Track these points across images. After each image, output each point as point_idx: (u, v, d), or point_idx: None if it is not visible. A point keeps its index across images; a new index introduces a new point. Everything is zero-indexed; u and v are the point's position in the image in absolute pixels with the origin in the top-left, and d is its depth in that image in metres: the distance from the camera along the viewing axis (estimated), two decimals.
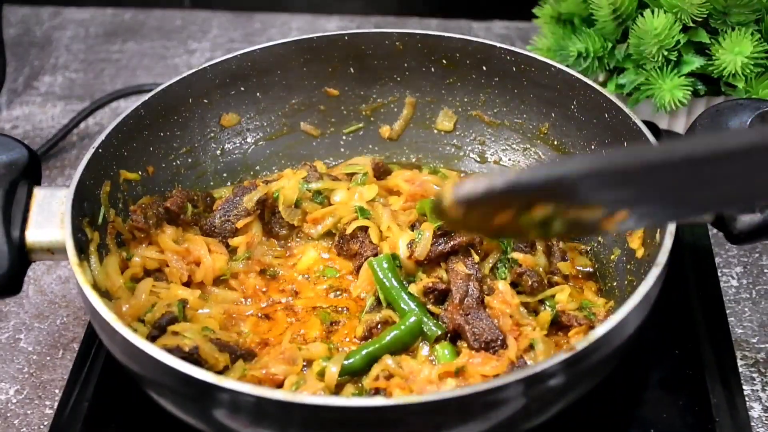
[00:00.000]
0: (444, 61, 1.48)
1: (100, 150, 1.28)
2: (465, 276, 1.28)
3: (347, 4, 2.11)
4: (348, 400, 0.97)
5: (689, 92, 1.51)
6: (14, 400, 1.33)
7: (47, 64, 2.01)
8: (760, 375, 1.33)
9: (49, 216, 1.20)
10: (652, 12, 1.47)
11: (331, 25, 2.09)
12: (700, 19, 1.47)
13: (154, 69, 1.99)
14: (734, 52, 1.47)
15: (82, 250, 1.20)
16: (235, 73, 1.45)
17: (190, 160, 1.46)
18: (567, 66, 1.41)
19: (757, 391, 1.31)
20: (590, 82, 1.35)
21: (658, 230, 1.18)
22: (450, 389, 1.10)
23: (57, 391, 1.34)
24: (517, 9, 1.92)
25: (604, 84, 1.62)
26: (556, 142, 1.45)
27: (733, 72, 1.47)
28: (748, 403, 1.28)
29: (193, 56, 2.01)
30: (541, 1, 1.68)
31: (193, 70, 1.41)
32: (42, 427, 1.30)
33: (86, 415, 1.24)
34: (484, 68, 1.46)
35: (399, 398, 0.96)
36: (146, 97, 1.37)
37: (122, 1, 2.16)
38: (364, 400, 0.96)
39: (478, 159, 1.52)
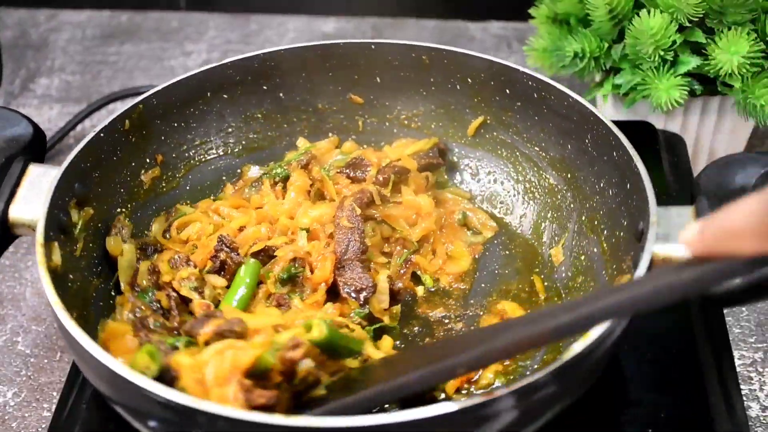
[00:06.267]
0: (469, 80, 1.45)
1: (102, 134, 1.27)
2: (347, 229, 1.31)
3: (343, 6, 2.11)
4: (335, 420, 0.92)
5: (686, 92, 1.51)
6: (12, 403, 1.33)
7: (44, 67, 2.01)
8: (758, 374, 1.34)
9: (37, 193, 1.18)
10: (648, 12, 1.48)
11: (328, 27, 2.09)
12: (696, 19, 1.48)
13: (151, 71, 1.99)
14: (731, 52, 1.47)
15: (63, 231, 1.18)
16: (234, 75, 1.45)
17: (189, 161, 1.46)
18: (581, 98, 1.35)
19: (755, 390, 1.32)
20: (603, 118, 1.30)
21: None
22: (438, 406, 1.07)
23: (55, 393, 1.34)
24: (513, 9, 1.92)
25: (600, 84, 1.62)
26: (569, 176, 1.40)
27: (729, 72, 1.48)
28: (745, 402, 1.28)
29: (189, 58, 2.01)
30: (537, 1, 1.68)
31: (189, 74, 1.41)
32: (40, 429, 1.30)
33: (84, 417, 1.24)
34: (508, 91, 1.43)
35: (388, 416, 0.94)
36: (145, 96, 1.37)
37: (119, 3, 2.16)
38: (352, 420, 0.93)
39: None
